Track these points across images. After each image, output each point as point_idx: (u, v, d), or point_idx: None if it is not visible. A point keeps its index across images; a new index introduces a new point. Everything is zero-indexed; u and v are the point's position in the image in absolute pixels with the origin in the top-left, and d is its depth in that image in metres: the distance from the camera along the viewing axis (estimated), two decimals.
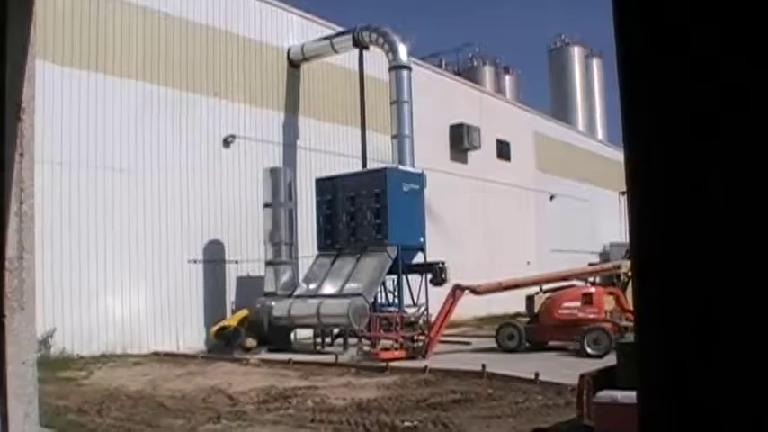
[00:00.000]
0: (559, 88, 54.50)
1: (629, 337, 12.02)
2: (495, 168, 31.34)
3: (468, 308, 20.18)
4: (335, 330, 17.54)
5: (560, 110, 51.43)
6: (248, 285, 19.19)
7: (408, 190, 17.78)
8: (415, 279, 17.95)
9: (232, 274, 19.31)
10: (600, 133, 53.92)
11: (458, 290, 15.08)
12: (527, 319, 16.19)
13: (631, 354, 6.73)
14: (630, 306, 14.55)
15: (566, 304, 15.10)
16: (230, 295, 19.17)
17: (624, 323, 14.50)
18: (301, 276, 18.85)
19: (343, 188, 18.15)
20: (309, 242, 19.91)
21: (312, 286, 17.43)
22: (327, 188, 18.48)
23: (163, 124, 18.13)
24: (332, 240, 18.13)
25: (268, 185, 18.33)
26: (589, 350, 13.74)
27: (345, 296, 16.26)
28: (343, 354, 15.16)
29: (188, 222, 18.39)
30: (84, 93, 16.60)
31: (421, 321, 16.01)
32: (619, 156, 47.50)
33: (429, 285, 17.76)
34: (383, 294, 18.19)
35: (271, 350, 16.31)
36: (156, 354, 16.39)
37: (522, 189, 33.16)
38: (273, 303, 17.15)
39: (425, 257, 18.01)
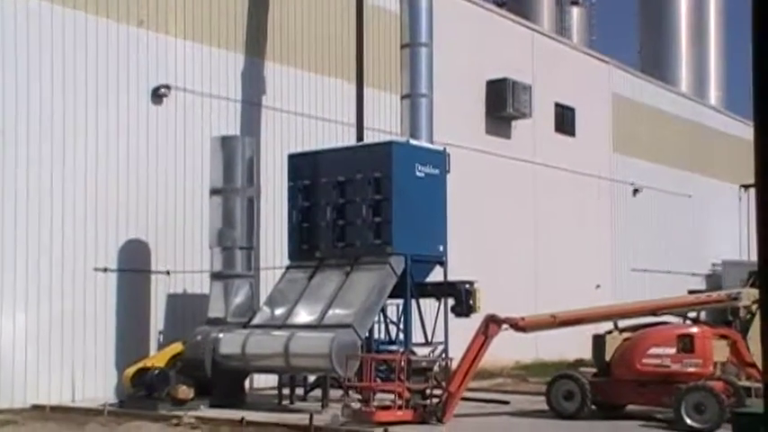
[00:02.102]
0: (654, 29, 54.38)
1: (755, 403, 11.86)
2: (553, 146, 31.38)
3: (508, 350, 20.22)
4: (311, 378, 17.73)
5: (654, 61, 51.44)
6: (184, 308, 19.29)
7: (424, 175, 17.91)
8: (430, 306, 18.06)
9: (160, 290, 19.35)
10: (713, 96, 53.87)
11: (492, 324, 15.10)
12: (594, 369, 16.28)
13: (755, 429, 6.63)
14: (755, 358, 14.45)
15: (653, 351, 15.11)
16: (156, 322, 19.21)
17: (744, 383, 14.49)
18: (263, 297, 18.90)
19: (327, 169, 18.22)
20: (277, 247, 20.00)
21: (279, 312, 17.49)
22: (305, 169, 18.56)
23: (58, 66, 17.95)
24: (310, 246, 18.23)
25: (218, 162, 18.31)
26: (689, 421, 13.79)
27: (327, 328, 16.34)
28: (322, 412, 15.24)
29: (96, 213, 18.30)
30: None
31: (437, 368, 16.02)
32: (743, 131, 47.62)
33: (450, 316, 17.88)
34: (382, 327, 18.31)
35: (215, 404, 16.41)
36: (37, 408, 16.33)
37: (591, 177, 33.19)
38: (221, 335, 17.19)
39: (446, 274, 18.10)
